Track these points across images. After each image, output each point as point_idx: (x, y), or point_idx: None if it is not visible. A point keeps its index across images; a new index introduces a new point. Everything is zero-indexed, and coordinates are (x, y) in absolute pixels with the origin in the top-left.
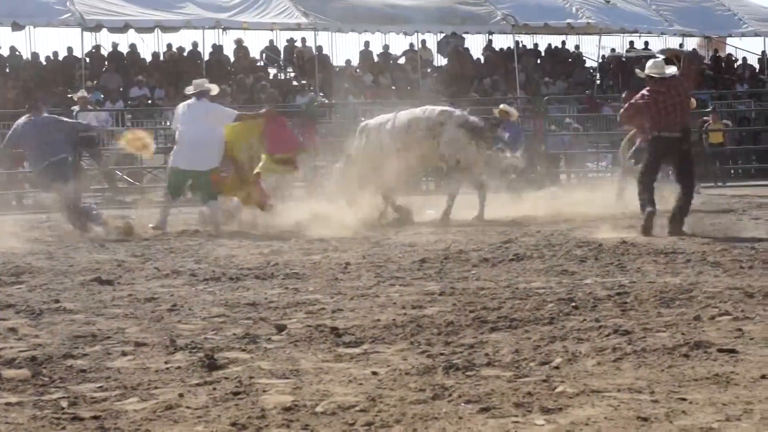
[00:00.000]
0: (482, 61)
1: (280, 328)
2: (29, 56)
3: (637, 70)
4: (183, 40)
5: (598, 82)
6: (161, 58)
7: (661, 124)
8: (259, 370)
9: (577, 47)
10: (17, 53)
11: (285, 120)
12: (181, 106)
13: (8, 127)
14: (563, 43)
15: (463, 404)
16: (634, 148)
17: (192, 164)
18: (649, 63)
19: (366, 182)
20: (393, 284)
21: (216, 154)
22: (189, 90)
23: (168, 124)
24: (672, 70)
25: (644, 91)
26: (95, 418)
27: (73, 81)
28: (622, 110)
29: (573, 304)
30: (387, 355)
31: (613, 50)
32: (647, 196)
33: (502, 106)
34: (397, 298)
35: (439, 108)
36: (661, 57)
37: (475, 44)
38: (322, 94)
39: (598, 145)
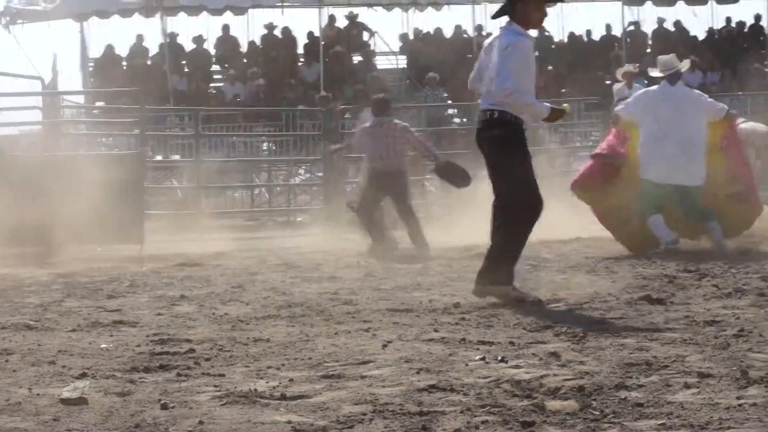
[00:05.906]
0: None
1: None
2: (563, 38)
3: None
4: None
5: None
6: (715, 36)
7: None
8: None
9: None
10: (546, 33)
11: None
12: (654, 92)
13: None
14: None
15: None
16: None
17: (676, 177)
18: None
19: None
20: None
21: (705, 162)
22: (654, 72)
23: None
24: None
25: None
26: None
27: (611, 63)
28: None
29: None
30: None
31: None
32: None
33: None
34: None
35: None
36: None
37: None
38: None
39: None
